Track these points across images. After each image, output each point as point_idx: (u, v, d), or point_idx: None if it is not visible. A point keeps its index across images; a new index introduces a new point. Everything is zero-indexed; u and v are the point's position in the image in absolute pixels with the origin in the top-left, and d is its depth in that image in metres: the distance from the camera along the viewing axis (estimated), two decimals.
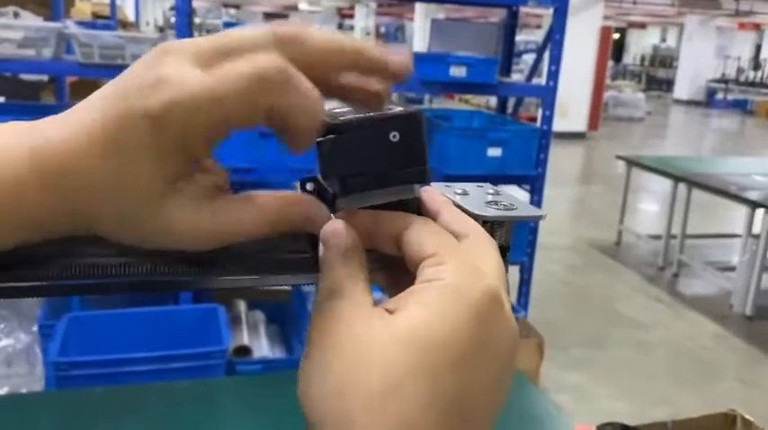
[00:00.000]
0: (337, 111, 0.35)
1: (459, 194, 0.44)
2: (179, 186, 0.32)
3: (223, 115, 0.31)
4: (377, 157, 0.34)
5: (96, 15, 5.64)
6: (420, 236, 0.34)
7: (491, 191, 0.45)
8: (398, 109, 0.35)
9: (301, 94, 0.32)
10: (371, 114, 0.34)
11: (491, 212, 0.41)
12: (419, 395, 0.28)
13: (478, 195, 0.44)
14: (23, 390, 2.61)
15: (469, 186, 0.46)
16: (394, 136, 0.34)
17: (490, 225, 0.42)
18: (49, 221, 0.31)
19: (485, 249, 0.34)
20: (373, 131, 0.34)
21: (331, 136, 0.34)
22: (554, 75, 3.18)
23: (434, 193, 0.38)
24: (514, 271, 3.60)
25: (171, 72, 0.30)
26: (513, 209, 0.41)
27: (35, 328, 2.72)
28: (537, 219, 0.42)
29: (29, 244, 0.32)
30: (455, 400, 0.29)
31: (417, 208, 0.37)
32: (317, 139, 0.34)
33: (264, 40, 0.32)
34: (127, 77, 0.31)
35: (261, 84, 0.31)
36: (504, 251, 0.42)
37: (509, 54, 3.88)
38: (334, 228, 0.34)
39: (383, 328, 0.30)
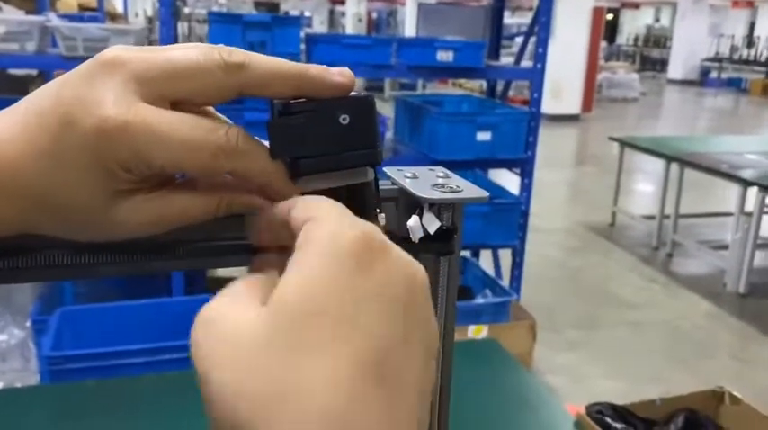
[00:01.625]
0: (294, 101, 0.35)
1: (408, 178, 0.44)
2: (125, 191, 0.32)
3: (172, 159, 0.31)
4: (327, 140, 0.34)
5: (83, 8, 5.60)
6: (298, 206, 0.31)
7: (441, 174, 0.46)
8: (354, 93, 0.35)
9: (253, 163, 0.33)
10: (322, 99, 0.35)
11: (435, 195, 0.41)
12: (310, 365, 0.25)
13: (427, 179, 0.44)
14: (18, 385, 2.62)
15: (420, 170, 0.46)
16: (344, 119, 0.34)
17: (437, 207, 0.42)
18: None
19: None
20: (323, 114, 0.34)
21: (282, 118, 0.34)
22: (541, 57, 3.17)
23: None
24: (506, 254, 3.61)
25: (115, 97, 0.30)
26: (458, 191, 0.42)
27: (28, 324, 2.73)
28: (481, 201, 0.42)
29: None
30: (363, 359, 0.25)
31: (373, 192, 0.38)
32: (268, 121, 0.35)
33: (213, 67, 0.32)
34: (69, 86, 0.31)
35: (213, 156, 0.32)
36: (450, 233, 0.43)
37: (497, 37, 3.86)
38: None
39: (257, 308, 0.27)
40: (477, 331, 2.91)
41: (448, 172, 0.46)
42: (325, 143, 0.34)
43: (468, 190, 0.42)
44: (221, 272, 3.41)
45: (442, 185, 0.42)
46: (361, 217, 0.30)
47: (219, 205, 0.35)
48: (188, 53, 0.32)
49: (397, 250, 0.29)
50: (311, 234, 0.28)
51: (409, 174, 0.44)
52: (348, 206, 0.31)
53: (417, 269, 0.29)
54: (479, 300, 3.16)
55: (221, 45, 0.34)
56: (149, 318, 2.57)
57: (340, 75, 0.35)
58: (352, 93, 0.36)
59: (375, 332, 0.26)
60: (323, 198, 0.31)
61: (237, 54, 0.33)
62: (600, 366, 3.51)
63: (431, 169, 0.46)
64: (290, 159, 0.35)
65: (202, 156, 0.31)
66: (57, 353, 2.24)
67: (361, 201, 0.36)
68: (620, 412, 2.03)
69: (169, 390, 1.62)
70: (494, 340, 2.01)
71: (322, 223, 0.29)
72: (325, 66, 0.35)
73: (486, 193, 0.42)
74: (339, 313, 0.26)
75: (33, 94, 0.32)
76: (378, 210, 0.37)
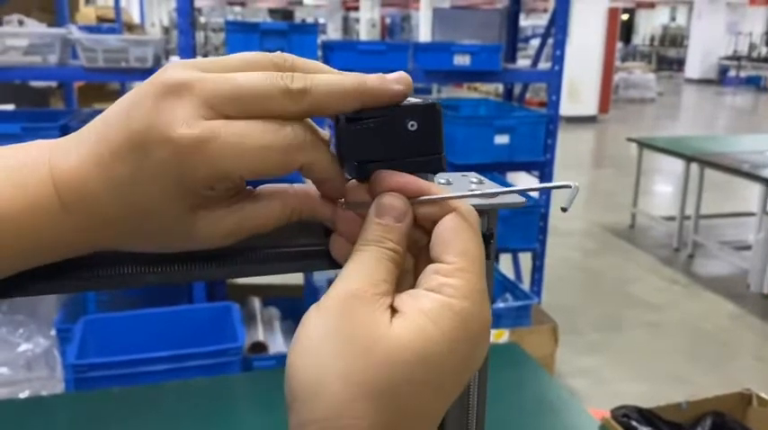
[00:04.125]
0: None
1: (442, 184, 0.44)
2: (205, 206, 0.33)
3: (249, 166, 0.32)
4: (394, 145, 0.35)
5: (101, 19, 5.67)
6: (449, 234, 0.35)
7: (474, 179, 0.45)
8: (418, 100, 0.36)
9: (321, 153, 0.34)
10: (391, 105, 0.35)
11: (472, 201, 0.41)
12: (406, 403, 0.31)
13: (461, 184, 0.44)
14: (44, 393, 2.65)
15: (454, 175, 0.46)
16: (412, 125, 0.35)
17: None
18: (68, 241, 0.32)
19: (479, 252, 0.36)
20: (392, 120, 0.35)
21: (351, 122, 0.35)
22: (559, 59, 3.16)
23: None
24: (527, 257, 3.59)
25: (186, 119, 0.31)
26: (494, 196, 0.42)
27: (53, 332, 2.76)
28: (518, 206, 0.42)
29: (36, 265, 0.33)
30: (417, 411, 0.32)
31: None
32: (337, 125, 0.35)
33: (277, 94, 0.33)
34: (137, 112, 0.31)
35: (285, 153, 0.33)
36: (487, 239, 0.42)
37: (513, 40, 3.85)
38: (390, 202, 0.35)
39: (389, 331, 0.31)
40: (499, 335, 2.90)
41: (481, 177, 0.46)
42: (392, 148, 0.35)
43: (504, 195, 0.42)
44: (241, 279, 3.43)
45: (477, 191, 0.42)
46: None
47: (292, 213, 0.36)
48: (252, 79, 0.32)
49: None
50: (453, 293, 0.33)
51: (443, 180, 0.44)
52: None
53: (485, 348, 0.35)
54: (500, 305, 3.15)
55: (281, 56, 0.34)
56: (172, 326, 2.59)
57: (397, 82, 0.35)
58: (417, 99, 0.36)
59: (448, 393, 0.33)
60: (473, 230, 0.35)
61: (299, 80, 0.33)
62: (622, 369, 3.48)
63: (464, 175, 0.46)
64: (357, 163, 0.35)
65: (276, 155, 0.32)
66: (81, 361, 2.26)
67: None
68: (645, 416, 2.01)
69: (192, 397, 1.63)
70: (516, 344, 2.00)
71: (468, 292, 0.33)
72: (381, 74, 0.35)
73: (522, 199, 0.41)
74: (444, 378, 0.32)
75: (100, 120, 0.33)
76: None
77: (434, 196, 0.36)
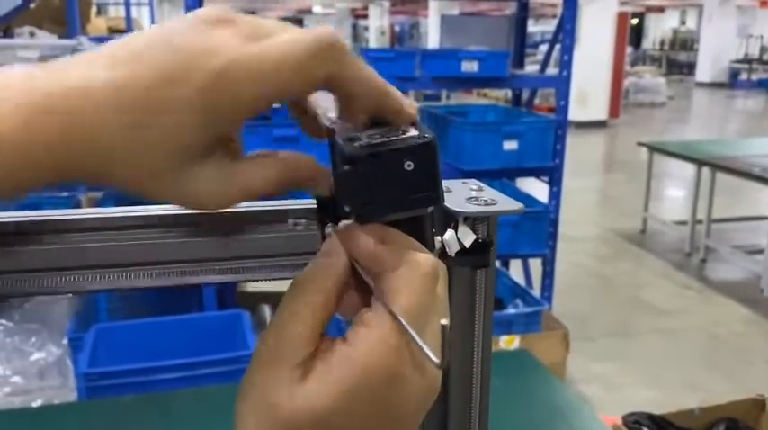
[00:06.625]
0: (352, 133, 0.36)
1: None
2: (198, 157, 0.32)
3: (279, 83, 0.31)
4: (392, 186, 0.35)
5: (112, 30, 5.72)
6: (384, 284, 0.35)
7: (474, 187, 0.46)
8: (413, 133, 0.36)
9: (357, 63, 0.34)
10: (386, 144, 0.35)
11: (471, 208, 0.41)
12: None
13: (461, 192, 0.45)
14: (56, 402, 2.66)
15: (453, 183, 0.47)
16: (409, 165, 0.35)
17: (472, 220, 0.42)
18: (62, 165, 0.30)
19: (411, 288, 0.34)
20: (389, 162, 0.35)
21: (348, 166, 0.35)
22: (567, 64, 3.16)
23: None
24: (537, 263, 3.58)
25: (225, 39, 0.31)
26: (493, 204, 0.42)
27: (65, 341, 2.78)
28: (517, 213, 0.42)
29: (41, 187, 0.31)
30: None
31: (431, 222, 0.39)
32: (334, 171, 0.36)
33: (314, 48, 0.32)
34: (182, 37, 0.31)
35: (320, 53, 0.32)
36: (486, 246, 0.43)
37: (521, 46, 3.86)
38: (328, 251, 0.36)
39: (291, 392, 0.33)
40: (509, 342, 2.89)
41: (481, 184, 0.46)
42: (390, 189, 0.35)
43: (503, 202, 0.42)
44: (251, 286, 3.44)
45: (477, 199, 0.43)
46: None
47: (288, 179, 0.36)
48: (299, 35, 0.32)
49: (411, 380, 0.34)
50: (357, 345, 0.33)
51: (443, 188, 0.45)
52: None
53: (417, 395, 0.34)
54: (510, 311, 3.14)
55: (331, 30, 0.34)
56: (182, 334, 2.60)
57: (411, 107, 0.36)
58: (411, 131, 0.36)
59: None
60: (420, 285, 0.34)
61: (342, 50, 0.33)
62: (634, 375, 3.46)
63: (464, 182, 0.47)
64: (354, 205, 0.35)
65: (305, 56, 0.32)
66: (93, 369, 2.28)
67: (420, 229, 0.37)
68: (658, 422, 2.00)
69: (204, 405, 1.63)
70: (526, 351, 1.99)
71: (375, 342, 0.33)
72: (398, 92, 0.36)
73: (521, 205, 0.42)
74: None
75: (118, 48, 0.31)
76: (434, 231, 0.38)
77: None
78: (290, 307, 0.34)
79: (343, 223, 0.36)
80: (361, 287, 0.36)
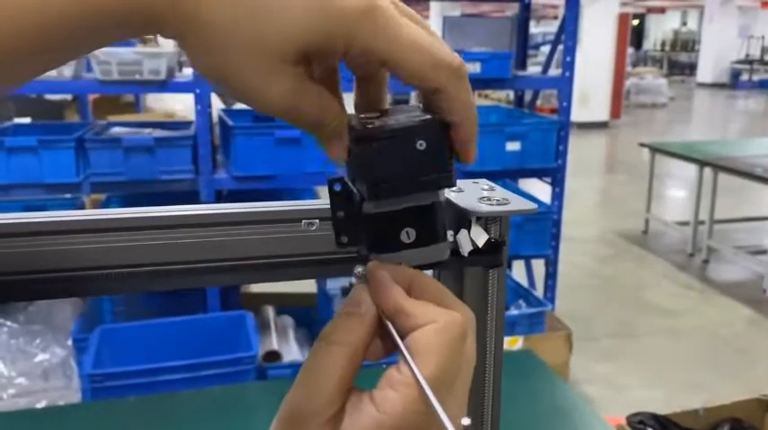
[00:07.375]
0: (363, 116, 0.36)
1: (453, 191, 0.45)
2: (301, 62, 0.33)
3: (390, 57, 0.33)
4: (404, 165, 0.35)
5: None
6: (415, 346, 0.34)
7: (485, 186, 0.46)
8: (424, 115, 0.36)
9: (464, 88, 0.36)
10: (399, 123, 0.36)
11: (484, 208, 0.42)
12: None
13: (473, 191, 0.45)
14: (61, 403, 2.67)
15: (465, 183, 0.47)
16: (420, 144, 0.35)
17: (484, 220, 0.43)
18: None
19: (439, 353, 0.34)
20: (401, 140, 0.35)
21: (361, 144, 0.35)
22: (569, 65, 3.16)
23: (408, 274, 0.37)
24: (539, 264, 3.58)
25: None
26: (505, 203, 0.42)
27: (69, 342, 2.78)
28: (529, 213, 0.43)
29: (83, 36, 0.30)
30: None
31: (443, 211, 0.39)
32: (350, 147, 0.36)
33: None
34: None
35: (438, 67, 0.34)
36: (499, 246, 0.43)
37: (524, 47, 3.86)
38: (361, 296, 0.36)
39: None
40: (513, 343, 2.89)
41: (492, 184, 0.47)
42: (402, 167, 0.35)
43: (516, 202, 0.43)
44: (255, 288, 3.44)
45: (489, 198, 0.43)
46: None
47: (334, 113, 0.35)
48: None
49: None
50: (387, 405, 0.32)
51: (454, 188, 0.45)
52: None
53: None
54: (513, 312, 3.14)
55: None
56: (186, 335, 2.61)
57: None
58: (423, 114, 0.36)
59: None
60: (447, 347, 0.34)
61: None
62: (638, 375, 3.46)
63: (475, 182, 0.47)
64: (369, 184, 0.36)
65: (427, 61, 0.34)
66: (97, 370, 2.28)
67: (431, 220, 0.37)
68: (662, 422, 2.00)
69: (207, 405, 1.64)
70: (530, 351, 2.00)
71: (400, 414, 0.32)
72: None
73: (534, 205, 0.42)
74: None
75: None
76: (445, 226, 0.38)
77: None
78: (319, 360, 0.34)
79: (371, 264, 0.36)
80: (385, 330, 0.35)
